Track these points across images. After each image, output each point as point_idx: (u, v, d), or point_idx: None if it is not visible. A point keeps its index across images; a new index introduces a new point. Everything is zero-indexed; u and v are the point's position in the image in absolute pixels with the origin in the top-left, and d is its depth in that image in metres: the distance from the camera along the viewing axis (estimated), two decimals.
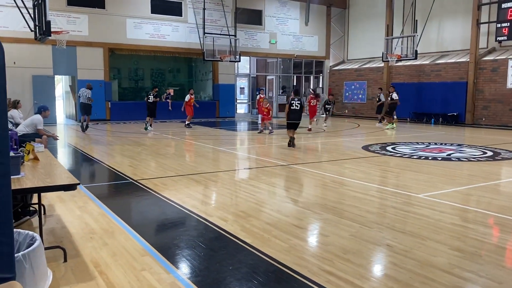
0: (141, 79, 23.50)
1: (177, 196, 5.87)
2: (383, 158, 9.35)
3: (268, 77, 25.23)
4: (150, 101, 15.63)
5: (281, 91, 24.52)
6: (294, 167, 8.18)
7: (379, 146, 11.25)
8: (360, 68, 23.31)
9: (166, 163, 8.54)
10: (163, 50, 20.20)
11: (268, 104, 15.08)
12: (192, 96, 16.67)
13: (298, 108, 10.95)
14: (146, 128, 15.59)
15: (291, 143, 11.13)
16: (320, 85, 25.77)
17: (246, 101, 24.04)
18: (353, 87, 23.46)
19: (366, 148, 10.91)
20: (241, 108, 24.11)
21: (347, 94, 23.74)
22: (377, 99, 18.06)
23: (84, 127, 14.60)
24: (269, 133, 14.58)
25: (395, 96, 16.98)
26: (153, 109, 15.66)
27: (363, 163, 8.67)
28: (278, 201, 5.75)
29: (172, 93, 21.25)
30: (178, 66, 24.36)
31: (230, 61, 19.83)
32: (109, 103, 19.08)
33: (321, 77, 25.75)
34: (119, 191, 6.36)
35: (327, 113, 17.51)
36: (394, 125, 16.78)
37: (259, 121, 17.56)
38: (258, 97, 18.11)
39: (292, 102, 10.96)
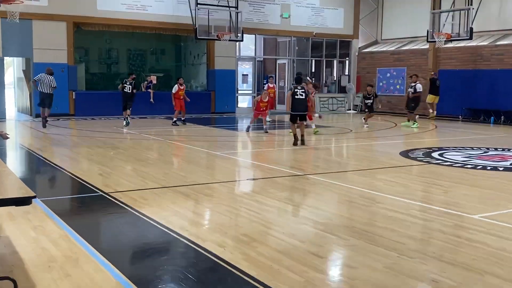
0: (115, 62, 23.57)
1: (161, 214, 5.90)
2: (427, 167, 9.34)
3: (278, 62, 25.22)
4: (127, 90, 15.77)
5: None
6: (312, 177, 8.19)
7: (422, 151, 11.24)
8: (399, 50, 23.28)
9: (147, 171, 8.58)
10: (143, 26, 20.27)
11: (267, 98, 15.19)
12: (182, 87, 16.58)
13: (303, 97, 11.67)
14: (127, 124, 15.83)
15: (299, 141, 11.71)
16: (346, 72, 25.75)
17: (250, 92, 24.07)
18: (388, 75, 23.42)
19: (405, 154, 10.92)
20: (244, 101, 24.15)
21: (381, 84, 23.69)
22: (412, 90, 17.54)
23: (44, 122, 15.24)
24: (265, 131, 14.83)
25: (419, 87, 17.29)
26: (131, 100, 15.81)
27: (401, 173, 8.68)
28: (291, 222, 5.75)
29: (154, 81, 21.32)
30: (162, 47, 24.41)
31: (230, 40, 19.87)
32: (74, 93, 19.19)
33: (347, 61, 25.68)
34: (86, 207, 6.38)
35: (368, 110, 17.40)
36: (417, 123, 17.12)
37: (268, 119, 17.64)
38: (266, 87, 18.16)
39: (296, 90, 11.67)
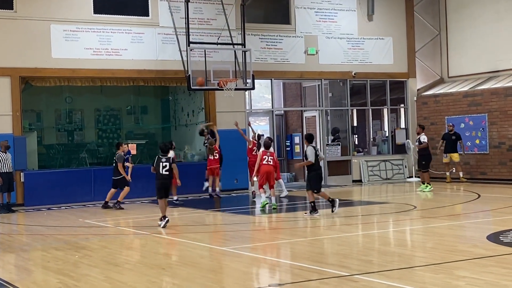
0: (78, 128, 23.82)
1: None
2: None
3: (306, 114, 25.40)
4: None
5: (331, 137, 24.57)
6: (362, 279, 8.04)
7: None
8: (474, 91, 23.34)
9: (125, 280, 8.52)
10: (116, 77, 20.67)
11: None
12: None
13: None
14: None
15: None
16: (402, 125, 25.76)
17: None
18: (463, 125, 23.37)
19: (495, 238, 10.74)
20: None
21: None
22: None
23: (6, 207, 17.25)
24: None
25: (424, 139, 19.83)
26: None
27: (491, 267, 8.51)
28: None
29: (133, 151, 21.49)
30: (144, 103, 24.73)
31: (236, 88, 20.11)
32: (22, 174, 19.36)
33: (402, 110, 25.79)
34: None
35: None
36: (430, 186, 19.74)
37: (284, 193, 18.02)
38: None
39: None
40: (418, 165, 20.72)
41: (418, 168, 20.77)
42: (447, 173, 21.77)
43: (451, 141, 21.95)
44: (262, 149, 16.69)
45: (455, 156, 21.89)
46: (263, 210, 16.04)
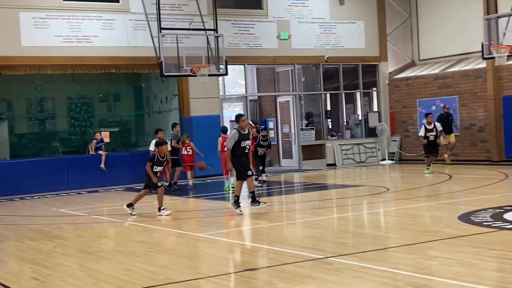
0: (50, 117, 23.66)
1: None
2: (499, 235, 9.26)
3: (279, 99, 25.45)
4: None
5: (305, 122, 24.68)
6: (336, 261, 8.11)
7: (491, 213, 11.18)
8: (445, 73, 23.54)
9: (100, 269, 8.50)
10: (88, 64, 20.52)
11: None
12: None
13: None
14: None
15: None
16: (375, 108, 25.93)
17: None
18: (434, 108, 23.56)
19: (466, 218, 10.87)
20: None
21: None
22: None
23: None
24: None
25: (439, 126, 19.84)
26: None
27: (462, 246, 8.61)
28: None
29: (107, 139, 21.38)
30: (116, 90, 24.61)
31: (209, 74, 20.08)
32: None
33: (374, 93, 25.95)
34: None
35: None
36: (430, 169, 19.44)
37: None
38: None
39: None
40: (435, 151, 19.70)
41: (435, 153, 19.77)
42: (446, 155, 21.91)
43: (449, 122, 21.70)
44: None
45: (452, 137, 21.78)
46: (227, 192, 17.09)
